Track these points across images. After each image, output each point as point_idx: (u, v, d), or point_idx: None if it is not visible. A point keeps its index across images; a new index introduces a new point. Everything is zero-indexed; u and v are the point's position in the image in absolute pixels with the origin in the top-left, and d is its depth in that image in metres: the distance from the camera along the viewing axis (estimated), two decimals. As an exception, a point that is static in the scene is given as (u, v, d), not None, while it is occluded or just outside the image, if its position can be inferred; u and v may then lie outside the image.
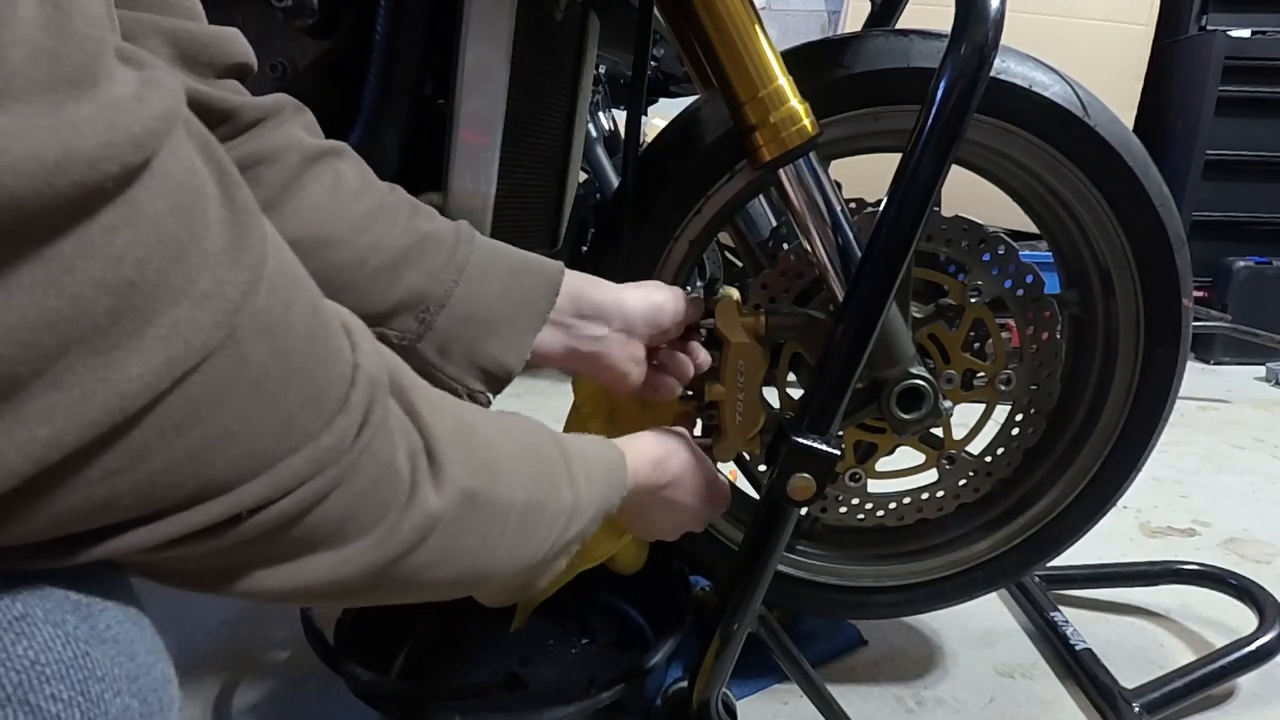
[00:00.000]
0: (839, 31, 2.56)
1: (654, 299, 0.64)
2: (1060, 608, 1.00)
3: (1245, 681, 0.91)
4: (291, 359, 0.28)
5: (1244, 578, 1.03)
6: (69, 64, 0.21)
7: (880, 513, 0.83)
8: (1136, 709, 0.83)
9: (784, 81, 0.65)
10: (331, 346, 0.31)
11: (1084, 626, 0.96)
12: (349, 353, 0.32)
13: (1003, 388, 0.77)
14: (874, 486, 0.82)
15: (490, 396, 0.59)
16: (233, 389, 0.26)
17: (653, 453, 0.61)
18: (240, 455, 0.27)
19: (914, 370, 0.74)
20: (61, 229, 0.21)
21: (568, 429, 0.76)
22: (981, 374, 0.77)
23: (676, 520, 0.67)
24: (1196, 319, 2.18)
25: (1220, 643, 0.94)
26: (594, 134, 1.93)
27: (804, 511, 0.71)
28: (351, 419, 0.31)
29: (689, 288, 0.70)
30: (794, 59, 0.69)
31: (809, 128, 0.66)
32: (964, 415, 0.80)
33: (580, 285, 0.62)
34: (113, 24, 0.24)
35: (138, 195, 0.23)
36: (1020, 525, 0.85)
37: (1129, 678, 0.87)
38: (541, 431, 0.49)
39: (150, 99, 0.23)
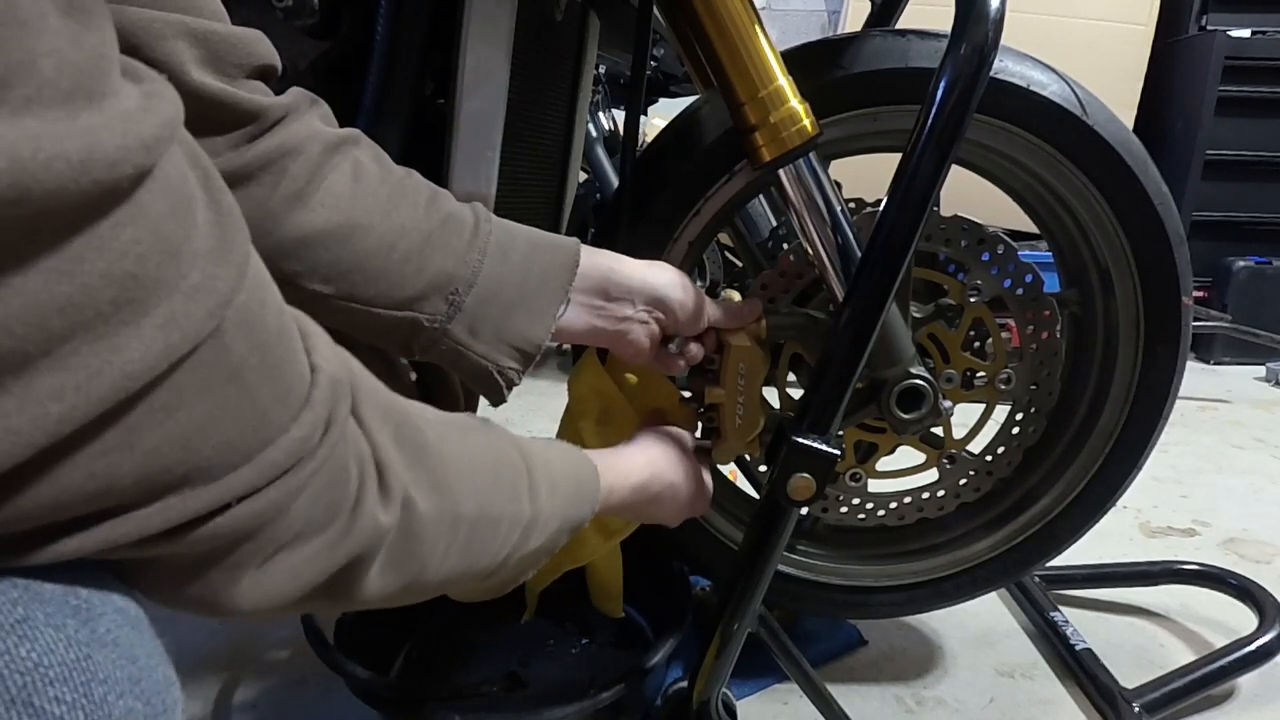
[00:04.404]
0: (839, 31, 2.56)
1: (677, 296, 0.65)
2: (1060, 608, 1.00)
3: (1245, 681, 0.91)
4: (266, 353, 0.30)
5: (1244, 578, 1.03)
6: (87, 78, 0.23)
7: (881, 512, 0.83)
8: (1136, 709, 0.83)
9: (784, 81, 0.65)
10: (293, 348, 0.33)
11: (1084, 626, 0.96)
12: (304, 355, 0.33)
13: (1002, 387, 0.77)
14: (874, 486, 0.82)
15: (521, 372, 0.59)
16: (215, 376, 0.28)
17: (636, 474, 0.61)
18: (223, 442, 0.28)
19: (914, 370, 0.74)
20: (76, 223, 0.23)
21: (561, 427, 0.76)
22: (981, 373, 0.77)
23: (653, 519, 0.67)
24: (1196, 319, 2.18)
25: (1220, 643, 0.94)
26: (594, 134, 1.93)
27: (804, 511, 0.71)
28: (317, 415, 0.32)
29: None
30: (794, 59, 0.69)
31: (809, 128, 0.66)
32: (964, 415, 0.80)
33: (608, 267, 0.62)
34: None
35: (142, 197, 0.24)
36: (1021, 524, 0.85)
37: (1129, 678, 0.87)
38: (504, 441, 0.48)
39: (155, 109, 0.25)
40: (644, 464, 0.62)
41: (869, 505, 0.82)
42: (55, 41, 0.21)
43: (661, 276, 0.64)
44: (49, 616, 0.26)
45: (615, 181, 1.85)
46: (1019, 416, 0.80)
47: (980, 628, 1.02)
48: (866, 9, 0.94)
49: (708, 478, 0.70)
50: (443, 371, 0.62)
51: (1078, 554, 0.93)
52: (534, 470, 0.48)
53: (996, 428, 0.81)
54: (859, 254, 0.66)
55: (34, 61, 0.21)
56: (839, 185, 0.69)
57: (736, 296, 0.73)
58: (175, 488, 0.28)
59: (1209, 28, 2.58)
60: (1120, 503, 0.83)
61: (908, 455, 0.81)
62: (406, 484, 0.38)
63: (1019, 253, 0.75)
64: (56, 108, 0.22)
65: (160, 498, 0.27)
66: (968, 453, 0.81)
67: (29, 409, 0.23)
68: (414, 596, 0.42)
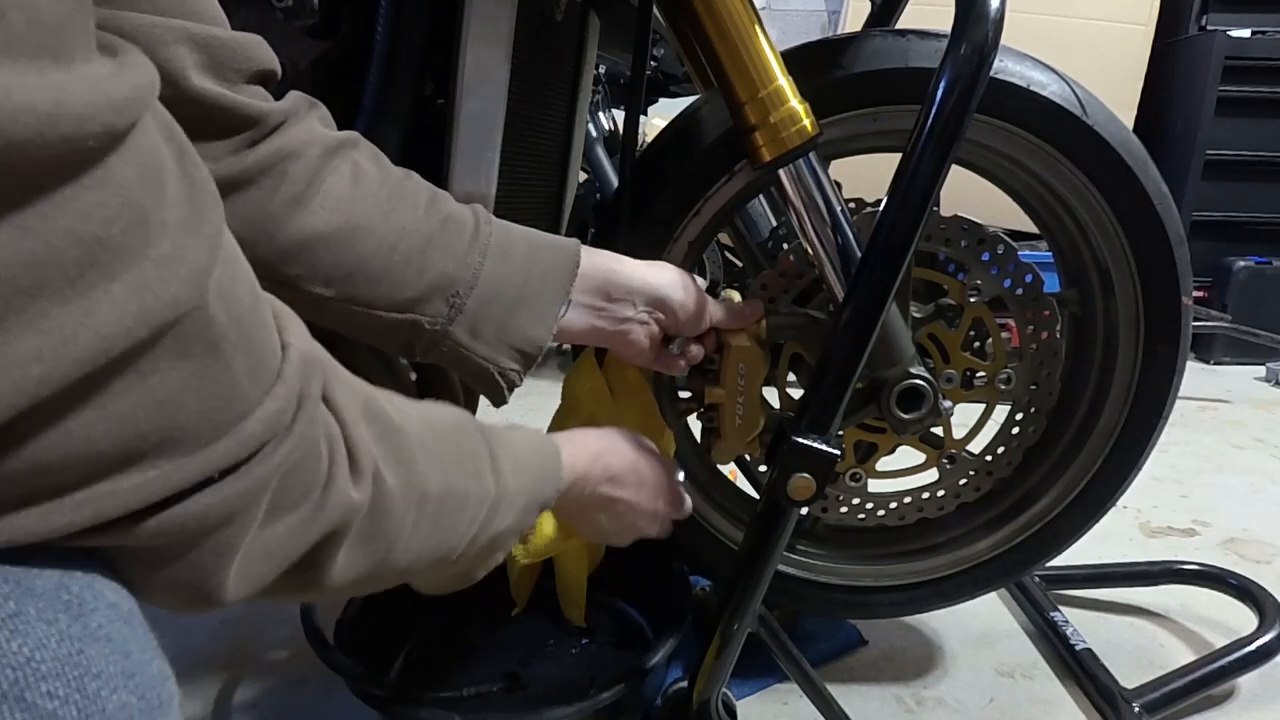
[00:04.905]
0: (839, 31, 2.56)
1: (678, 297, 0.65)
2: (1060, 608, 1.00)
3: (1245, 681, 0.91)
4: (241, 327, 0.30)
5: (1244, 578, 1.03)
6: (58, 39, 0.23)
7: (881, 512, 0.83)
8: (1136, 709, 0.83)
9: (784, 81, 0.65)
10: (266, 324, 0.33)
11: (1084, 626, 0.96)
12: (275, 332, 0.33)
13: (1002, 387, 0.77)
14: (874, 486, 0.82)
15: (522, 374, 0.59)
16: (194, 346, 0.28)
17: (591, 446, 0.61)
18: (199, 412, 0.28)
19: (914, 370, 0.74)
20: (43, 182, 0.23)
21: (551, 425, 0.76)
22: (981, 373, 0.77)
23: (624, 521, 0.65)
24: (1196, 319, 2.18)
25: (1220, 643, 0.94)
26: (594, 134, 1.93)
27: (804, 511, 0.71)
28: (290, 389, 0.32)
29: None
30: (794, 59, 0.69)
31: (809, 128, 0.66)
32: (964, 415, 0.80)
33: (609, 268, 0.63)
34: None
35: (111, 162, 0.24)
36: (1021, 524, 0.85)
37: (1129, 678, 0.87)
38: (465, 420, 0.49)
39: (128, 75, 0.25)
40: (598, 437, 0.62)
41: (869, 505, 0.82)
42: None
43: (662, 277, 0.64)
44: (40, 611, 0.26)
45: (615, 181, 1.85)
46: (1019, 416, 0.80)
47: (980, 628, 1.02)
48: (866, 9, 0.94)
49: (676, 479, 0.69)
50: (443, 372, 0.62)
51: (1078, 554, 0.93)
52: (495, 448, 0.48)
53: (996, 428, 0.81)
54: (859, 254, 0.66)
55: (4, 14, 0.21)
56: (839, 185, 0.69)
57: (737, 297, 0.73)
58: (153, 455, 0.28)
59: (1209, 28, 2.57)
60: (1120, 503, 0.83)
61: (908, 455, 0.81)
62: (376, 460, 0.38)
63: (1019, 253, 0.75)
64: (25, 62, 0.21)
65: (138, 463, 0.27)
66: (968, 453, 0.81)
67: (10, 370, 0.23)
68: (382, 582, 0.42)
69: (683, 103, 0.85)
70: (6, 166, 0.22)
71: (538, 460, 0.54)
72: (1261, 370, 2.29)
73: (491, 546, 0.50)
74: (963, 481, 0.82)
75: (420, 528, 0.42)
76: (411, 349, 0.56)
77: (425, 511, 0.42)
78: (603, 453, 0.61)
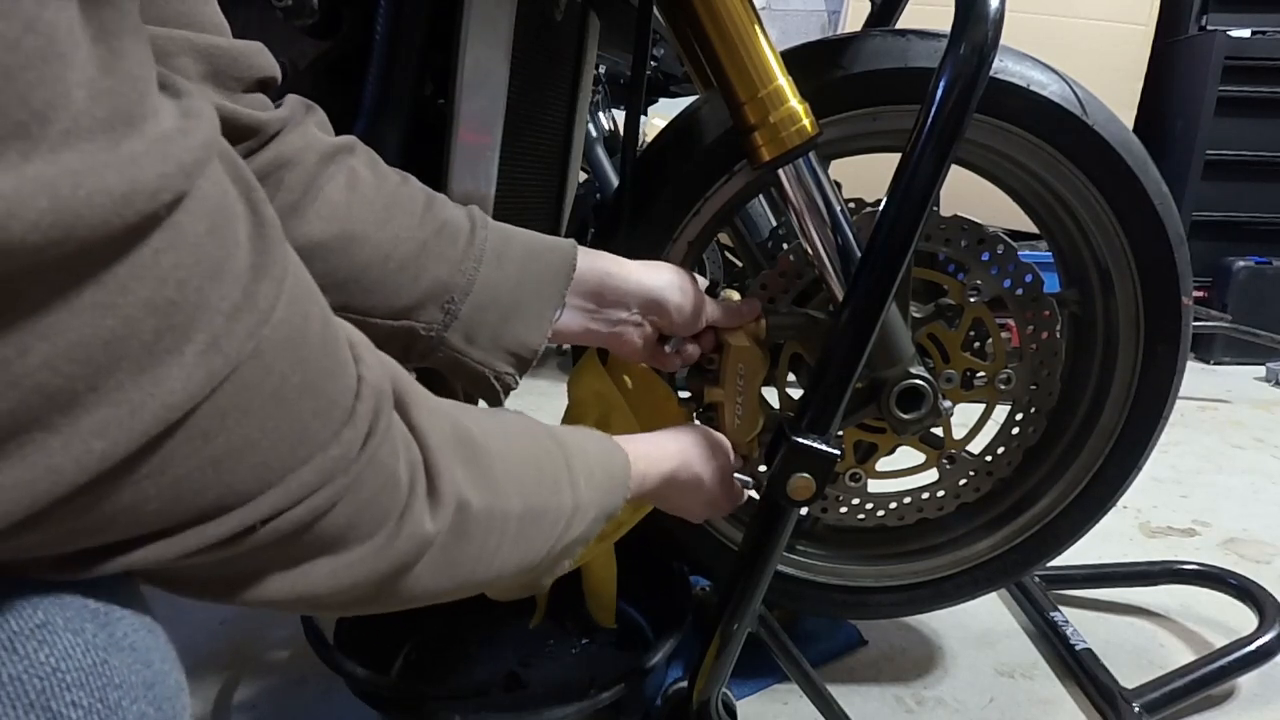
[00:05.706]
0: (839, 31, 2.56)
1: (674, 299, 0.65)
2: (1060, 608, 1.00)
3: (1245, 681, 0.91)
4: (307, 369, 0.29)
5: (1244, 578, 1.03)
6: (123, 102, 0.22)
7: (881, 512, 0.83)
8: (1136, 709, 0.83)
9: (784, 81, 0.65)
10: (340, 359, 0.32)
11: (1084, 626, 0.96)
12: (353, 365, 0.33)
13: (1002, 387, 0.77)
14: (874, 486, 0.82)
15: (518, 377, 0.59)
16: (255, 398, 0.27)
17: (666, 463, 0.61)
18: (257, 465, 0.28)
19: (913, 370, 0.74)
20: (119, 253, 0.22)
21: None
22: (981, 373, 0.77)
23: (677, 510, 0.67)
24: (1196, 319, 2.18)
25: (1220, 643, 0.94)
26: (594, 134, 1.93)
27: (804, 511, 0.71)
28: (357, 430, 0.32)
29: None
30: (794, 59, 0.69)
31: (808, 128, 0.66)
32: (964, 415, 0.80)
33: (605, 270, 0.63)
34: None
35: (180, 219, 0.24)
36: (1021, 524, 0.85)
37: (1129, 678, 0.87)
38: (542, 432, 0.49)
39: (193, 129, 0.25)
40: (675, 453, 0.63)
41: (869, 505, 0.82)
42: (86, 71, 0.21)
43: (659, 279, 0.64)
44: (68, 621, 0.26)
45: (615, 181, 1.85)
46: (1019, 416, 0.80)
47: (980, 628, 1.02)
48: (866, 9, 0.94)
49: (738, 482, 0.70)
50: (439, 374, 0.62)
51: (1078, 554, 0.93)
52: (571, 459, 0.49)
53: (996, 428, 0.81)
54: (859, 254, 0.66)
55: (68, 93, 0.20)
56: (839, 185, 0.69)
57: (736, 296, 0.73)
58: (203, 517, 0.27)
59: (1209, 28, 2.57)
60: (1120, 503, 0.83)
61: (908, 455, 0.81)
62: (460, 485, 0.38)
63: (1019, 253, 0.75)
64: (95, 138, 0.21)
65: (186, 529, 0.27)
66: (968, 453, 0.81)
67: (74, 447, 0.22)
68: (467, 592, 0.43)
69: (683, 103, 0.85)
70: (87, 249, 0.21)
71: (608, 471, 0.54)
72: (1261, 370, 2.29)
73: (562, 556, 0.50)
74: (963, 482, 0.82)
75: (503, 548, 0.42)
76: (407, 355, 0.56)
77: (509, 532, 0.42)
78: (674, 474, 0.62)
